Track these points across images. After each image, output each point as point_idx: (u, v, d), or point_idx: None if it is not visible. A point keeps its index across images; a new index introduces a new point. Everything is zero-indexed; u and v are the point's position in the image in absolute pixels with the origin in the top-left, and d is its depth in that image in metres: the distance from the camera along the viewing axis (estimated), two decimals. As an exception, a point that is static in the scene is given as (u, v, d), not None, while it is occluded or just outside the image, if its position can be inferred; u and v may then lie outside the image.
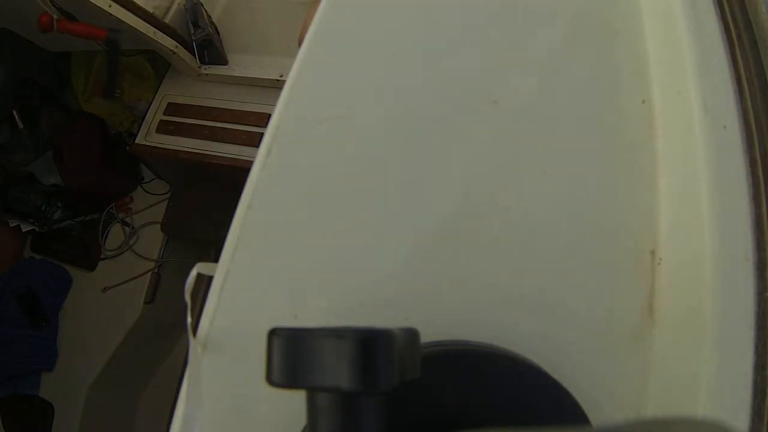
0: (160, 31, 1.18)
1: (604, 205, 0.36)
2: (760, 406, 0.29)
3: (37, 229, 1.54)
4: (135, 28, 1.12)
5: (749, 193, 0.33)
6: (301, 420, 0.22)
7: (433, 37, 0.43)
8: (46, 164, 1.53)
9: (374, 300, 0.34)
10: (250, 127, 1.28)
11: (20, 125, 1.47)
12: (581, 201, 0.36)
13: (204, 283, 0.35)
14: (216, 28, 1.35)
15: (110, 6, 1.05)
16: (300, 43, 0.43)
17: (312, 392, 0.21)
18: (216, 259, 0.36)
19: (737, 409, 0.29)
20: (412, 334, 0.23)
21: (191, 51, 1.29)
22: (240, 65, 1.33)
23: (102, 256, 1.57)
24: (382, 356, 0.20)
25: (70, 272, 1.57)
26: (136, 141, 1.34)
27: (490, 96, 0.40)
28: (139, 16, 1.12)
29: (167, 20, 1.26)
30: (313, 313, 0.34)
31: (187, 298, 0.35)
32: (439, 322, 0.32)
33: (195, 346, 0.33)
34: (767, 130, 0.36)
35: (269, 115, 0.40)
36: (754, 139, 0.35)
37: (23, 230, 1.52)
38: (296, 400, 0.22)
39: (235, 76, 1.33)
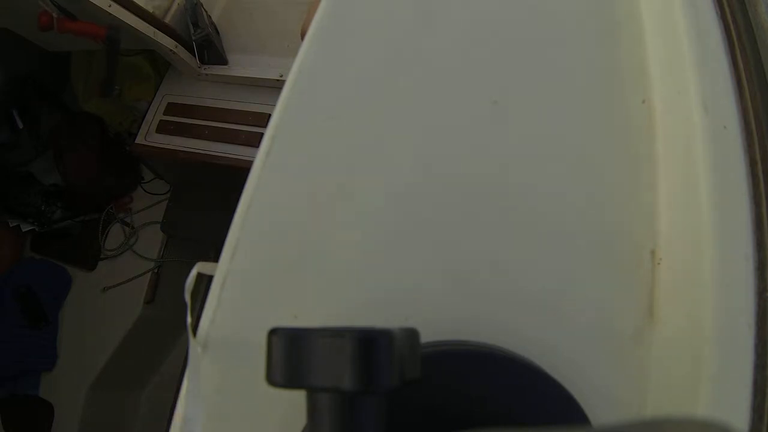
0: (160, 31, 1.18)
1: (603, 205, 0.36)
2: (760, 406, 0.29)
3: (37, 229, 1.54)
4: (135, 28, 1.12)
5: (749, 193, 0.33)
6: (301, 420, 0.22)
7: (433, 36, 0.43)
8: (46, 164, 1.53)
9: (374, 300, 0.34)
10: (250, 127, 1.28)
11: (20, 125, 1.47)
12: (581, 201, 0.36)
13: (204, 283, 0.35)
14: (216, 28, 1.35)
15: (110, 6, 1.05)
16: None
17: (312, 392, 0.21)
18: (216, 259, 0.36)
19: (737, 409, 0.29)
20: (412, 334, 0.23)
21: (191, 51, 1.28)
22: (240, 65, 1.33)
23: (102, 256, 1.57)
24: (382, 356, 0.20)
25: (70, 272, 1.56)
26: (136, 141, 1.33)
27: (489, 96, 0.40)
28: (139, 16, 1.12)
29: (167, 20, 1.26)
30: (313, 313, 0.34)
31: (187, 298, 0.35)
32: (439, 322, 0.32)
33: (195, 346, 0.33)
34: (767, 130, 0.36)
35: (269, 115, 0.40)
36: (754, 139, 0.35)
37: (23, 230, 1.52)
38: (296, 400, 0.22)
39: (235, 76, 1.32)
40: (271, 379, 0.21)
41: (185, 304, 0.34)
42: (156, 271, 1.53)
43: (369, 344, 0.20)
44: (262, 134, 0.39)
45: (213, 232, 1.35)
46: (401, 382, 0.21)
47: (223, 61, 1.34)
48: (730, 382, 0.29)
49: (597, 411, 0.30)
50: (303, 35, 0.43)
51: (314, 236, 0.36)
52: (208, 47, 1.30)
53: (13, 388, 1.42)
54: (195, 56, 1.30)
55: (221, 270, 0.35)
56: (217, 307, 0.34)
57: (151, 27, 1.16)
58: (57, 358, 1.46)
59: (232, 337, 0.34)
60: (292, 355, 0.21)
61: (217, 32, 1.35)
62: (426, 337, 0.25)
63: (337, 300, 0.35)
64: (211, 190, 1.42)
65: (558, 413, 0.29)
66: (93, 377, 1.42)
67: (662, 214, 0.35)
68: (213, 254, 0.35)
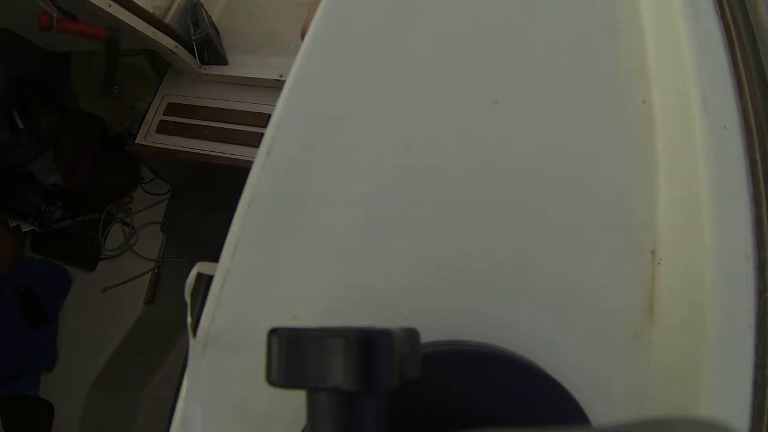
0: (160, 31, 1.18)
1: (603, 205, 0.36)
2: (760, 406, 0.29)
3: (37, 229, 1.54)
4: (135, 28, 1.12)
5: (749, 193, 0.33)
6: (301, 420, 0.22)
7: (434, 36, 0.43)
8: (46, 164, 1.53)
9: (374, 300, 0.34)
10: (250, 127, 1.28)
11: (20, 125, 1.47)
12: (581, 201, 0.36)
13: (204, 283, 0.35)
14: (216, 28, 1.35)
15: (110, 6, 1.05)
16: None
17: (312, 392, 0.21)
18: (216, 259, 0.36)
19: (737, 409, 0.29)
20: (412, 334, 0.23)
21: (191, 51, 1.29)
22: (240, 65, 1.33)
23: (102, 256, 1.57)
24: (382, 356, 0.20)
25: (70, 272, 1.57)
26: (136, 141, 1.33)
27: (490, 96, 0.40)
28: (139, 16, 1.12)
29: (167, 20, 1.26)
30: (313, 313, 0.34)
31: (187, 298, 0.35)
32: (439, 322, 0.32)
33: (195, 346, 0.33)
34: (767, 130, 0.36)
35: (269, 115, 0.40)
36: (754, 139, 0.35)
37: (23, 230, 1.52)
38: (296, 400, 0.22)
39: (235, 76, 1.32)
40: (271, 379, 0.21)
41: (185, 304, 0.34)
42: (156, 271, 1.53)
43: (369, 344, 0.20)
44: (262, 134, 0.39)
45: (213, 232, 1.35)
46: (401, 382, 0.21)
47: (223, 61, 1.34)
48: (730, 382, 0.29)
49: (597, 411, 0.30)
50: (303, 35, 0.44)
51: (314, 236, 0.36)
52: (208, 47, 1.30)
53: (13, 388, 1.42)
54: (195, 56, 1.30)
55: (221, 270, 0.35)
56: (217, 307, 0.34)
57: (151, 27, 1.16)
58: (57, 358, 1.46)
59: (232, 338, 0.34)
60: (292, 355, 0.21)
61: (217, 32, 1.35)
62: (426, 337, 0.25)
63: (337, 300, 0.35)
64: (211, 190, 1.42)
65: (558, 413, 0.29)
66: (93, 377, 1.42)
67: (662, 214, 0.35)
68: (213, 254, 0.35)
